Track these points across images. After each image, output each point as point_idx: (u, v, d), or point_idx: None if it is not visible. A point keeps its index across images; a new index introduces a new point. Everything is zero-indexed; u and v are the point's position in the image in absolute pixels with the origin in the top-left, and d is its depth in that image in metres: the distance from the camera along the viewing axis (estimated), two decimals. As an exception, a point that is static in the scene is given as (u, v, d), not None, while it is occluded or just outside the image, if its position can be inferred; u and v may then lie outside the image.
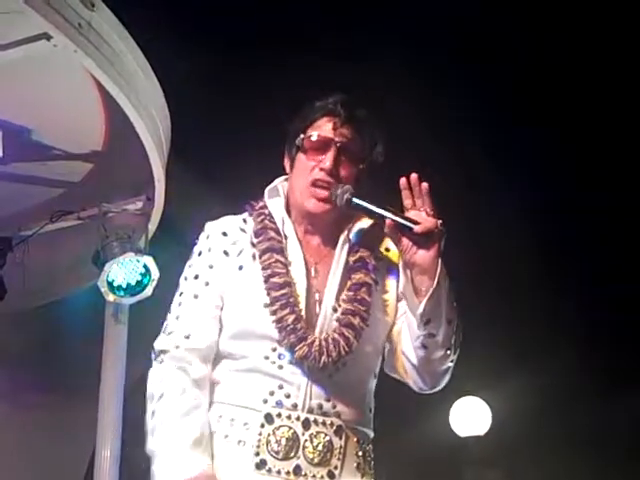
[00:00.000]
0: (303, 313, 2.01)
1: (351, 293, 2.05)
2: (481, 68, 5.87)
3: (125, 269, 4.11)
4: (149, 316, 4.65)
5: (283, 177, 2.17)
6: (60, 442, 5.28)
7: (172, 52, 4.52)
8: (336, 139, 2.06)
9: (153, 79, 4.07)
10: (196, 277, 2.07)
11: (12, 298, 4.47)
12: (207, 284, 2.06)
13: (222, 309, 2.05)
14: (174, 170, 4.50)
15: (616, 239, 7.16)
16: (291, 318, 1.98)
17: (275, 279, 2.01)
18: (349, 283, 2.06)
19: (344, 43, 5.36)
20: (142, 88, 3.91)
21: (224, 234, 2.09)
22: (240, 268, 2.05)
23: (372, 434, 2.11)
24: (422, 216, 1.93)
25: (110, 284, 4.10)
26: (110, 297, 4.10)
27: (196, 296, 2.06)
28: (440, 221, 1.94)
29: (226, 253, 2.06)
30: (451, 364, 2.07)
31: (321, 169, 2.04)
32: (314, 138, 2.06)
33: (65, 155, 4.13)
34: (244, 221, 2.12)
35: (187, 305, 2.06)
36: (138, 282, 4.11)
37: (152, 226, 4.45)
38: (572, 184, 6.64)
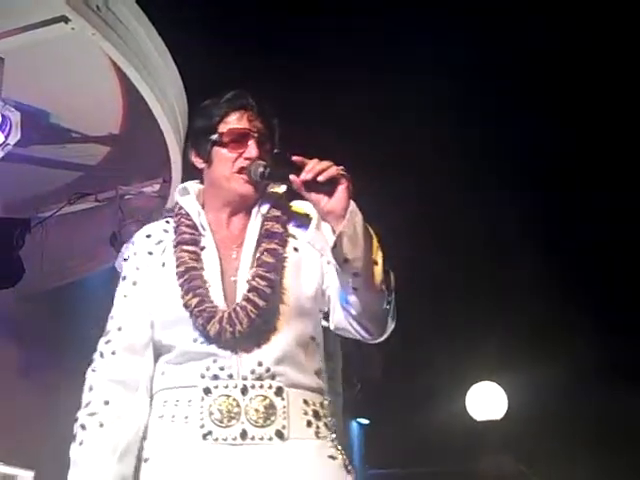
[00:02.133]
0: (213, 293, 2.10)
1: (257, 261, 2.15)
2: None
3: (142, 251, 4.13)
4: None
5: (189, 181, 2.30)
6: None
7: (190, 34, 4.53)
8: (253, 130, 2.20)
9: (170, 62, 4.08)
10: (124, 279, 2.21)
11: (30, 279, 4.50)
12: (134, 284, 2.20)
13: (152, 305, 2.16)
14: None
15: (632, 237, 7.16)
16: (195, 301, 2.08)
17: (181, 268, 2.13)
18: (258, 254, 2.17)
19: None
20: (159, 71, 3.92)
21: (147, 236, 2.23)
22: (163, 265, 2.17)
23: (325, 396, 2.18)
24: (322, 165, 2.01)
25: (127, 266, 4.12)
26: (127, 279, 4.13)
27: (125, 296, 2.19)
28: (341, 166, 2.02)
29: (150, 253, 2.20)
30: (388, 307, 2.12)
31: (246, 158, 2.16)
32: (232, 131, 2.20)
33: (83, 138, 4.15)
34: (167, 222, 2.26)
35: (118, 305, 2.19)
36: (155, 264, 4.14)
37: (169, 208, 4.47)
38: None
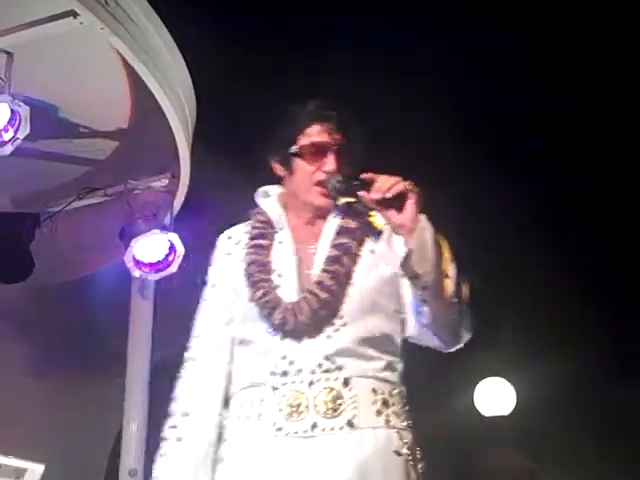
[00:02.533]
0: (287, 286, 2.18)
1: (329, 254, 2.21)
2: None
3: (151, 245, 4.14)
4: (174, 293, 4.71)
5: (270, 186, 2.36)
6: (87, 417, 5.34)
7: (198, 29, 4.53)
8: (333, 143, 2.23)
9: (179, 57, 4.08)
10: (205, 283, 2.32)
11: (40, 274, 4.52)
12: (213, 286, 2.30)
13: (232, 302, 2.26)
14: (199, 148, 4.52)
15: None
16: (260, 293, 2.17)
17: (250, 257, 2.23)
18: (330, 248, 2.23)
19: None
20: (168, 65, 3.92)
21: (229, 238, 2.33)
22: (240, 261, 2.25)
23: (395, 386, 2.21)
24: (389, 182, 2.05)
25: (136, 260, 4.14)
26: (136, 273, 4.14)
27: (205, 299, 2.30)
28: (408, 181, 2.05)
29: (229, 254, 2.30)
30: (460, 316, 2.15)
31: (324, 171, 2.21)
32: (313, 144, 2.24)
33: (91, 132, 4.16)
34: (248, 225, 2.33)
35: (200, 309, 2.30)
36: (163, 258, 4.15)
37: (177, 203, 4.48)
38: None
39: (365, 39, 5.57)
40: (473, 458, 8.87)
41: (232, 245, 2.31)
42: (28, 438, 4.57)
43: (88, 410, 5.25)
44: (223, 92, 5.27)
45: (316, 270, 2.19)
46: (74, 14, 3.28)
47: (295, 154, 2.25)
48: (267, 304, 2.15)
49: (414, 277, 2.07)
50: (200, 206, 5.04)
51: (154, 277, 4.22)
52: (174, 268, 4.16)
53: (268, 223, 2.29)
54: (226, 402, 2.22)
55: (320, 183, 2.21)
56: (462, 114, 5.85)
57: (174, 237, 4.17)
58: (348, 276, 2.20)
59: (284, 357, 2.13)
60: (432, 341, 2.23)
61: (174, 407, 2.21)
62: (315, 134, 2.25)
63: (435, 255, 2.06)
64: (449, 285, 2.09)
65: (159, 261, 4.17)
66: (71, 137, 4.19)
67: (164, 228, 4.24)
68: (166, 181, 4.38)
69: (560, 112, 6.10)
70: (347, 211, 2.28)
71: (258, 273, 2.20)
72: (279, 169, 2.31)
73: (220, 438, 2.20)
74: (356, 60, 5.30)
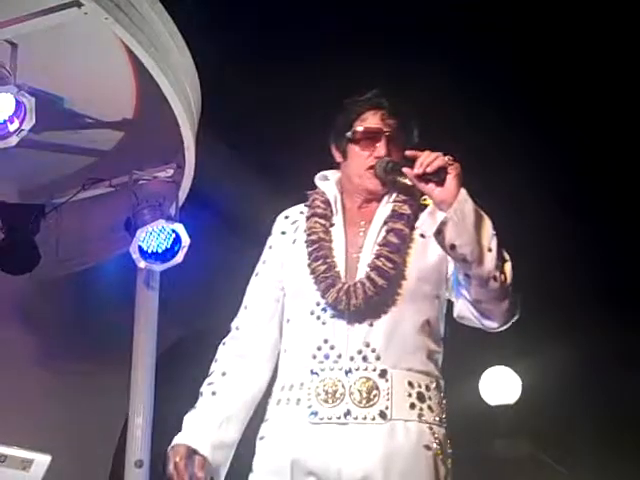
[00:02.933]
0: (338, 265, 2.24)
1: (381, 240, 2.26)
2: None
3: (156, 236, 4.14)
4: (180, 283, 4.71)
5: (329, 170, 2.46)
6: (93, 408, 5.35)
7: (201, 18, 4.52)
8: (385, 129, 2.31)
9: (184, 47, 4.07)
10: (259, 259, 2.43)
11: (46, 265, 4.52)
12: (264, 262, 2.41)
13: (282, 277, 2.35)
14: (204, 139, 4.51)
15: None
16: (323, 268, 2.23)
17: (313, 237, 2.29)
18: (384, 234, 2.28)
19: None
20: (172, 56, 3.91)
21: (286, 217, 2.44)
22: (294, 242, 2.35)
23: (432, 378, 2.25)
24: (430, 157, 2.12)
25: (142, 251, 4.13)
26: (141, 264, 4.14)
27: (256, 274, 2.41)
28: (448, 156, 2.12)
29: (283, 232, 2.40)
30: (504, 290, 2.15)
31: (375, 157, 2.30)
32: (366, 130, 2.33)
33: (97, 123, 4.16)
34: (305, 206, 2.43)
35: (250, 283, 2.41)
36: (169, 249, 4.14)
37: (182, 194, 4.47)
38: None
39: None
40: (479, 447, 8.87)
41: (288, 224, 2.40)
42: (35, 429, 4.59)
43: (94, 401, 5.26)
44: (230, 83, 5.26)
45: (366, 254, 2.25)
46: (78, 4, 3.28)
47: (350, 140, 2.35)
48: (326, 279, 2.21)
49: (450, 248, 2.10)
50: (205, 197, 5.04)
51: (160, 268, 4.22)
52: (180, 258, 4.15)
53: (327, 204, 2.36)
54: (270, 374, 2.33)
55: (372, 167, 2.29)
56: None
57: (179, 227, 4.16)
58: (404, 263, 2.24)
59: (326, 341, 2.19)
60: (479, 320, 2.24)
61: (213, 367, 2.33)
62: (368, 120, 2.34)
63: (475, 227, 2.10)
64: (490, 259, 2.11)
65: (164, 251, 4.16)
66: (76, 128, 4.19)
67: (169, 218, 4.24)
68: (171, 171, 4.38)
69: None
70: (400, 196, 2.33)
71: (322, 250, 2.26)
72: (337, 155, 2.41)
73: (253, 400, 2.32)
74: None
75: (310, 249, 2.27)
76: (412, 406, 2.18)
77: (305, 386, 2.20)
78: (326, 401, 2.17)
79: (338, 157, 2.41)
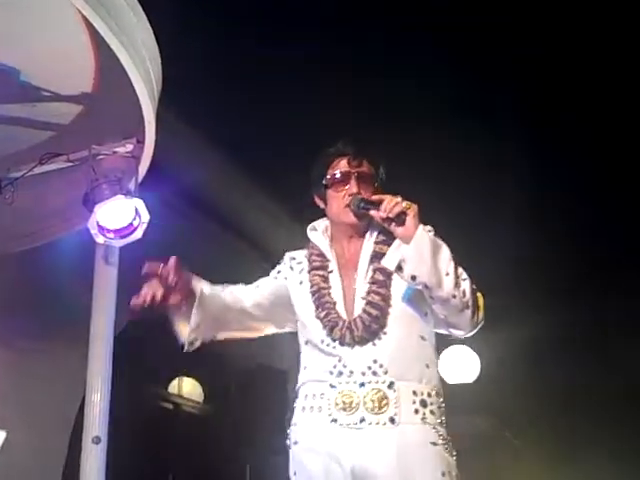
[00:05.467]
0: (337, 306, 2.72)
1: (370, 278, 2.73)
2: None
3: (115, 211, 4.08)
4: (139, 259, 4.66)
5: (318, 221, 2.95)
6: (51, 386, 5.31)
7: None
8: (352, 171, 2.79)
9: (145, 21, 4.00)
10: (275, 270, 2.99)
11: (1, 240, 4.45)
12: (286, 278, 2.92)
13: (290, 304, 2.87)
14: (165, 115, 4.46)
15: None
16: (323, 313, 2.71)
17: (314, 288, 2.78)
18: (371, 274, 2.74)
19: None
20: (133, 30, 3.83)
21: (292, 258, 2.94)
22: (300, 283, 2.84)
23: (433, 386, 2.69)
24: (391, 203, 2.58)
25: (100, 226, 4.07)
26: (100, 239, 4.08)
27: (276, 278, 2.96)
28: (406, 202, 2.58)
29: (292, 268, 2.91)
30: (465, 304, 2.60)
31: (349, 194, 2.77)
32: (337, 175, 2.81)
33: (54, 97, 4.07)
34: (306, 252, 2.92)
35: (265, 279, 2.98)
36: (128, 224, 4.09)
37: (142, 169, 4.41)
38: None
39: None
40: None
41: (295, 264, 2.90)
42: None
43: (52, 378, 5.22)
44: (191, 58, 5.21)
45: (359, 291, 2.72)
46: (35, -25, 3.20)
47: (326, 186, 2.82)
48: (330, 322, 2.69)
49: (412, 279, 2.57)
50: (166, 173, 4.99)
51: (118, 243, 4.16)
52: (139, 234, 4.10)
53: (322, 255, 2.83)
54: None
55: (348, 205, 2.76)
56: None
57: (139, 203, 4.11)
58: (389, 294, 2.70)
59: (340, 360, 2.65)
60: (450, 331, 2.73)
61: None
62: (338, 166, 2.81)
63: (432, 257, 2.54)
64: (448, 281, 2.55)
65: (124, 227, 4.11)
66: (33, 101, 4.10)
67: (129, 194, 4.17)
68: (131, 146, 4.31)
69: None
70: (380, 236, 2.78)
71: (322, 297, 2.74)
72: (320, 202, 2.89)
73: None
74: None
75: (313, 298, 2.75)
76: (416, 411, 2.60)
77: (325, 396, 2.65)
78: (344, 409, 2.60)
79: (321, 204, 2.89)
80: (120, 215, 4.09)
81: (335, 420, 2.61)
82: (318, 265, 2.83)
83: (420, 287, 2.58)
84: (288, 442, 2.77)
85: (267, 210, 7.21)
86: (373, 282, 2.71)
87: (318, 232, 2.91)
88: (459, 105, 6.13)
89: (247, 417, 7.07)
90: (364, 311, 2.67)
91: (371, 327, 2.65)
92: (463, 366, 8.97)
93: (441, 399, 2.71)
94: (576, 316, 8.52)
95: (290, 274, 2.89)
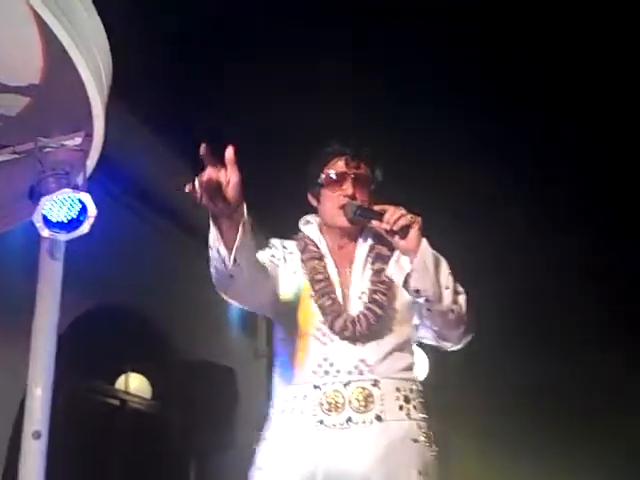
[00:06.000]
0: (340, 299, 2.68)
1: (374, 278, 2.72)
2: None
3: (61, 205, 4.04)
4: (85, 254, 4.62)
5: (310, 215, 2.92)
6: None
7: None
8: (349, 172, 2.77)
9: (94, 15, 3.97)
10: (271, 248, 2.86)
11: (-56, 233, 4.37)
12: (272, 261, 2.78)
13: (278, 293, 2.73)
14: (114, 110, 4.42)
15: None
16: (329, 302, 2.67)
17: (318, 276, 2.72)
18: (370, 272, 2.73)
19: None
20: (83, 22, 3.80)
21: (284, 247, 2.86)
22: (294, 273, 2.77)
23: (415, 383, 2.74)
24: (395, 215, 2.54)
25: (46, 220, 4.02)
26: (45, 232, 4.03)
27: (273, 255, 2.83)
28: (411, 215, 2.55)
29: (285, 259, 2.81)
30: (458, 319, 2.64)
31: (344, 196, 2.75)
32: (333, 175, 2.78)
33: (1, 87, 4.02)
34: (297, 244, 2.87)
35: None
36: (74, 219, 4.04)
37: (90, 163, 4.37)
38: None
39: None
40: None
41: (287, 254, 2.83)
42: None
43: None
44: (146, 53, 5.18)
45: (355, 290, 2.71)
46: (-18, -37, 3.16)
47: (321, 184, 2.80)
48: (333, 312, 2.64)
49: (415, 292, 2.58)
50: (114, 167, 4.95)
51: (64, 237, 4.11)
52: (85, 229, 4.06)
53: (316, 247, 2.80)
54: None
55: (342, 207, 2.75)
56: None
57: (86, 197, 4.07)
58: (394, 297, 2.72)
59: (326, 359, 2.62)
60: (437, 342, 2.76)
61: None
62: (335, 166, 2.79)
63: (434, 272, 2.55)
64: (448, 295, 2.58)
65: (70, 221, 4.06)
66: (-21, 92, 4.04)
67: (76, 187, 4.13)
68: (79, 140, 4.26)
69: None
70: (376, 239, 2.77)
71: (327, 287, 2.69)
72: (313, 200, 2.88)
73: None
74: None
75: (317, 287, 2.70)
76: (401, 408, 2.63)
77: (309, 398, 2.61)
78: (329, 410, 2.58)
79: (314, 202, 2.87)
80: (66, 209, 4.05)
81: (321, 422, 2.60)
82: (317, 255, 2.79)
83: (421, 300, 2.59)
84: (260, 437, 2.72)
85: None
86: (380, 282, 2.72)
87: (313, 225, 2.89)
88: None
89: (194, 414, 7.04)
90: (369, 309, 2.67)
91: (374, 326, 2.65)
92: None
93: (421, 395, 2.75)
94: (521, 315, 8.64)
95: (283, 264, 2.81)
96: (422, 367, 9.03)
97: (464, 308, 2.65)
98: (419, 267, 2.54)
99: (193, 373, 7.19)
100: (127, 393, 7.78)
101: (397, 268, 2.66)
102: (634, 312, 8.42)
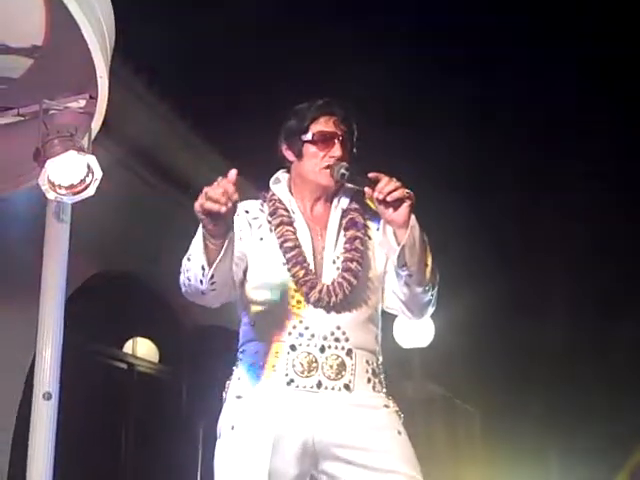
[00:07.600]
0: (312, 267, 2.67)
1: (347, 245, 2.72)
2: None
3: (67, 167, 4.03)
4: (93, 218, 4.63)
5: (281, 170, 2.88)
6: (2, 342, 5.27)
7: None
8: (339, 133, 2.74)
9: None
10: None
11: (-51, 197, 4.37)
12: (240, 239, 2.64)
13: (246, 266, 2.69)
14: (119, 73, 4.40)
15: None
16: (302, 272, 2.65)
17: (288, 243, 2.68)
18: (344, 239, 2.73)
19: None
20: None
21: (246, 212, 2.77)
22: (261, 239, 2.72)
23: (380, 356, 2.77)
24: (390, 186, 2.51)
25: (51, 182, 4.02)
26: (51, 195, 4.02)
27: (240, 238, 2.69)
28: (406, 190, 2.53)
29: (250, 225, 2.75)
30: (431, 297, 2.69)
31: (331, 157, 2.71)
32: (322, 132, 2.72)
33: (4, 49, 4.00)
34: (261, 204, 2.81)
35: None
36: (80, 181, 4.04)
37: (95, 125, 4.35)
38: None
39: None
40: (391, 389, 9.06)
41: (251, 219, 2.76)
42: None
43: (3, 335, 5.18)
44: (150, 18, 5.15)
45: (329, 256, 2.69)
46: None
47: (306, 141, 2.73)
48: (307, 283, 2.63)
49: (403, 266, 2.58)
50: (119, 130, 4.94)
51: (70, 200, 4.11)
52: (92, 191, 4.05)
53: (286, 210, 2.74)
54: None
55: (328, 167, 2.70)
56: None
57: (92, 159, 4.06)
58: (368, 265, 2.73)
59: (301, 322, 2.63)
60: (404, 313, 2.78)
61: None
62: (324, 124, 2.74)
63: (421, 249, 2.57)
64: (428, 272, 2.61)
65: (76, 183, 4.05)
66: (-18, 54, 4.02)
67: (81, 150, 4.12)
68: (83, 102, 4.24)
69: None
70: (352, 204, 2.78)
71: (299, 256, 2.66)
72: (289, 155, 2.80)
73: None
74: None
75: (289, 255, 2.66)
76: (368, 380, 2.68)
77: (281, 356, 2.62)
78: (302, 372, 2.59)
79: (291, 156, 2.80)
80: (72, 171, 4.04)
81: (292, 381, 2.61)
82: (286, 220, 2.74)
83: (403, 274, 2.60)
84: (225, 395, 2.73)
85: (219, 168, 7.19)
86: (354, 249, 2.72)
87: (282, 184, 2.83)
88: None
89: (201, 378, 7.08)
90: (343, 277, 2.67)
91: (348, 296, 2.66)
92: (417, 331, 9.05)
93: (382, 371, 2.79)
94: (526, 285, 8.66)
95: (247, 233, 2.73)
96: (427, 334, 9.06)
97: (436, 285, 2.69)
98: (409, 242, 2.55)
99: (201, 338, 7.23)
100: (135, 357, 7.83)
101: (385, 240, 2.65)
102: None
